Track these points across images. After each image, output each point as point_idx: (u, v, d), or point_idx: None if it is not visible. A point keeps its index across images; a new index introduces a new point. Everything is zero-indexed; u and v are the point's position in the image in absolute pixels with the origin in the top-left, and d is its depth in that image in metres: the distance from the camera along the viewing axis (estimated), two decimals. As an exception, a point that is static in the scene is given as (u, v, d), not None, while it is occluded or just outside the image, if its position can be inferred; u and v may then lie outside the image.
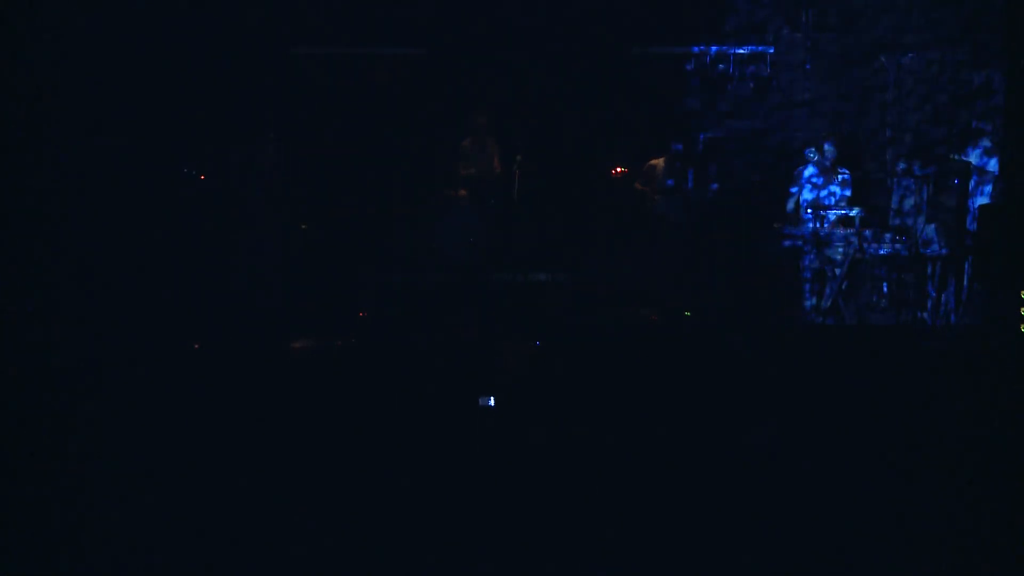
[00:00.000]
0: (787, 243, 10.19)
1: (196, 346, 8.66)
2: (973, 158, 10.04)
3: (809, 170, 10.59)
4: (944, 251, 9.84)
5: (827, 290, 10.01)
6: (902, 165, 10.12)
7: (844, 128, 11.02)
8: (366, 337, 9.75)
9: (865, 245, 9.94)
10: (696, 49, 11.54)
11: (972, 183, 9.71)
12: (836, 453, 6.01)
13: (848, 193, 10.39)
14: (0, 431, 6.26)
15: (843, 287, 9.95)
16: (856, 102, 11.39)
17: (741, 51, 11.46)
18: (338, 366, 8.14)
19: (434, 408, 6.78)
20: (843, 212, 10.18)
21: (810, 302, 10.22)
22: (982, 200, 9.65)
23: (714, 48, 11.51)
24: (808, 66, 11.46)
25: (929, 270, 9.90)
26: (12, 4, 8.86)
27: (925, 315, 9.79)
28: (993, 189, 9.72)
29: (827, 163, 10.46)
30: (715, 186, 10.80)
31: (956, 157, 10.08)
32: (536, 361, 8.29)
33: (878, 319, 10.12)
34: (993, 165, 10.00)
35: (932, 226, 9.83)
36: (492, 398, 6.75)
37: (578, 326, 10.42)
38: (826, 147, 10.47)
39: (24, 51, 8.98)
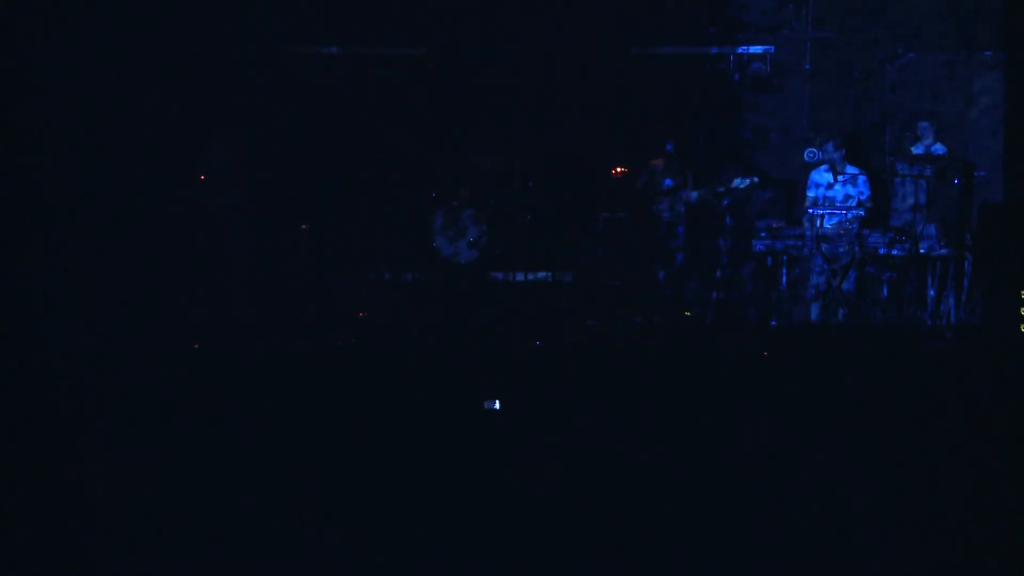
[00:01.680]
0: (787, 243, 10.18)
1: (196, 346, 8.66)
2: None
3: (809, 170, 10.59)
4: (944, 251, 9.84)
5: (827, 290, 10.00)
6: (902, 165, 10.12)
7: (844, 128, 11.01)
8: (366, 337, 9.75)
9: (865, 245, 9.93)
10: (696, 49, 11.53)
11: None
12: (836, 453, 6.01)
13: (848, 193, 10.38)
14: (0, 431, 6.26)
15: (843, 287, 9.95)
16: (856, 102, 11.38)
17: (741, 51, 11.45)
18: (338, 366, 8.14)
19: (434, 408, 6.78)
20: (843, 212, 10.17)
21: (810, 302, 10.21)
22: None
23: (714, 48, 11.51)
24: (808, 66, 11.45)
25: (929, 270, 9.90)
26: (12, 3, 8.85)
27: (925, 315, 9.79)
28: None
29: (827, 163, 10.45)
30: (714, 186, 10.77)
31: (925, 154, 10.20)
32: (536, 361, 8.29)
33: (878, 319, 10.11)
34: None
35: (932, 226, 9.83)
36: (497, 402, 6.73)
37: (578, 326, 10.42)
38: (827, 147, 10.45)
39: (23, 50, 8.97)
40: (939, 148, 10.33)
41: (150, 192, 9.94)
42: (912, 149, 10.43)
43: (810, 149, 10.63)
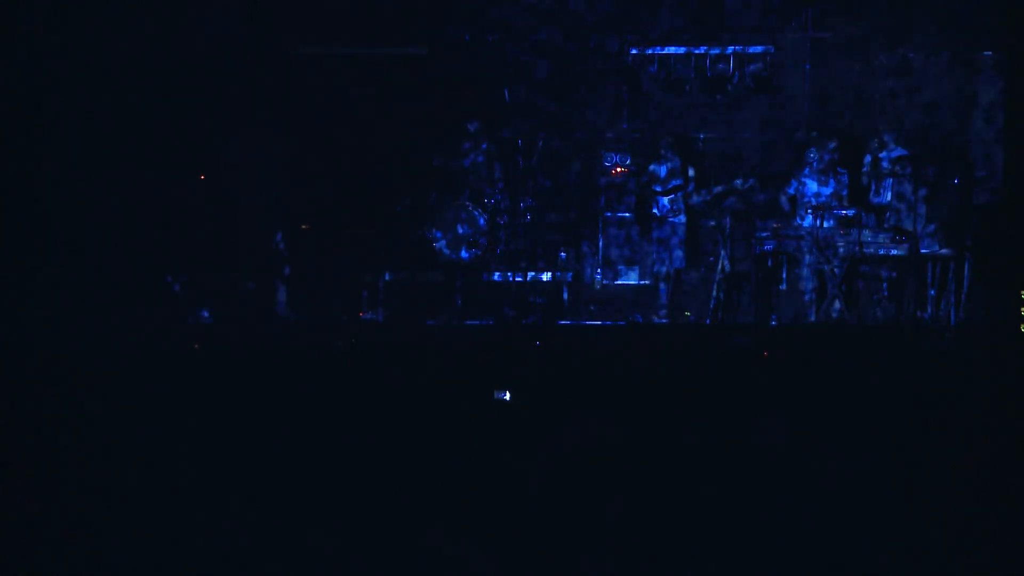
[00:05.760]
0: (787, 243, 10.18)
1: (196, 346, 8.67)
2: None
3: (810, 170, 10.58)
4: (944, 251, 9.85)
5: (827, 290, 10.01)
6: (902, 165, 10.13)
7: (844, 128, 11.01)
8: (366, 337, 9.75)
9: (865, 245, 9.93)
10: (696, 50, 11.52)
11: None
12: (837, 452, 6.01)
13: (849, 193, 10.38)
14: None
15: (842, 287, 9.95)
16: (856, 102, 11.38)
17: (741, 51, 11.44)
18: (337, 366, 8.14)
19: (433, 408, 6.78)
20: (843, 212, 10.17)
21: (809, 302, 10.21)
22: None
23: (714, 48, 11.49)
24: (808, 66, 11.45)
25: (929, 270, 9.91)
26: (12, 2, 8.86)
27: (925, 315, 9.80)
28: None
29: (828, 163, 10.45)
30: (715, 187, 10.77)
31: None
32: (537, 360, 8.30)
33: (878, 319, 10.11)
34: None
35: (932, 226, 9.84)
36: (507, 392, 6.72)
37: (578, 326, 10.43)
38: (829, 147, 10.45)
39: (24, 48, 8.99)
40: (900, 151, 10.34)
41: (150, 192, 9.96)
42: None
43: (810, 149, 10.63)
